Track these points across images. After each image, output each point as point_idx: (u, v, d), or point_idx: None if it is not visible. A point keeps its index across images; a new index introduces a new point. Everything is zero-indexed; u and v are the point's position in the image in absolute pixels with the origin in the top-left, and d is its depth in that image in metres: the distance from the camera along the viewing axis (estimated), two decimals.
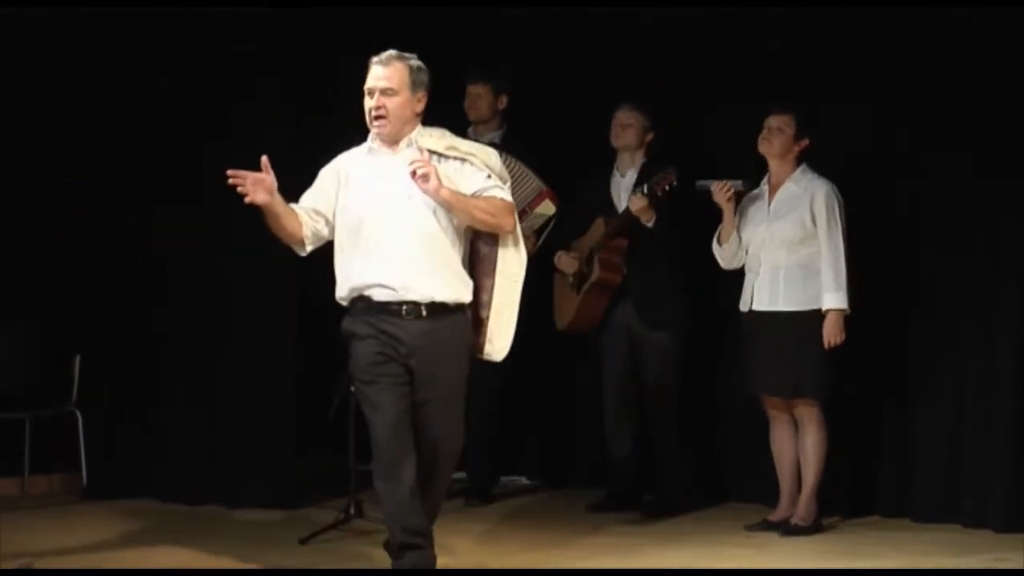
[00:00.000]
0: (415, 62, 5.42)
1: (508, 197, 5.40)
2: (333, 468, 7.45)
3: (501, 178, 5.46)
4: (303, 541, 6.65)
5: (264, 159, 5.33)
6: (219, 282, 8.08)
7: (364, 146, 5.50)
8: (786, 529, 6.77)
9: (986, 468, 6.90)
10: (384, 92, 5.34)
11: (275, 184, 5.36)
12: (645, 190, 7.17)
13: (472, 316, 5.43)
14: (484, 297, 5.40)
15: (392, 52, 5.40)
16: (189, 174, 8.00)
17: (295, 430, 7.88)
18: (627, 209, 7.20)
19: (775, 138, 6.87)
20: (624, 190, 7.40)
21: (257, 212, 6.90)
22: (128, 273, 8.18)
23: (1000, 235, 6.90)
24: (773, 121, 6.89)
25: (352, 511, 6.87)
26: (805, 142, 6.87)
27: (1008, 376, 6.81)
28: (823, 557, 6.38)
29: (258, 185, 5.31)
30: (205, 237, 8.09)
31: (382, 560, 5.95)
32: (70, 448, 8.11)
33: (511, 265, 5.41)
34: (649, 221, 7.13)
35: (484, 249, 5.42)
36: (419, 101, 5.40)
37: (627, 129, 7.45)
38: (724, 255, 7.01)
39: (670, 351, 7.35)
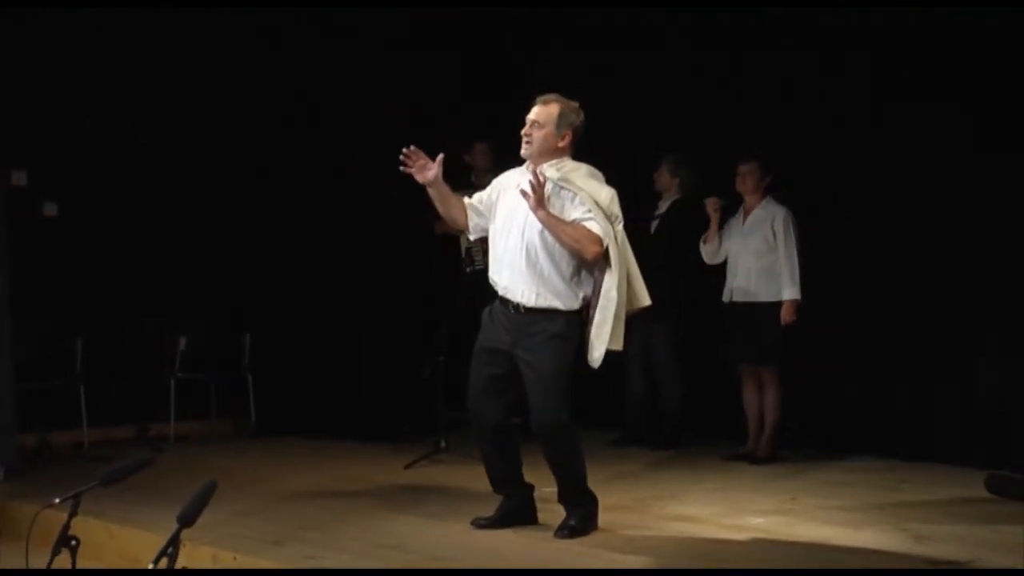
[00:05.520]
0: (569, 106, 5.16)
1: (598, 230, 4.99)
2: (427, 414, 7.44)
3: (607, 213, 5.08)
4: (407, 466, 6.86)
5: (440, 156, 5.16)
6: (353, 277, 8.46)
7: (522, 167, 5.26)
8: (752, 459, 7.03)
9: (893, 414, 7.14)
10: (533, 124, 5.14)
11: (438, 175, 5.17)
12: None
13: (584, 330, 5.10)
14: (591, 313, 5.08)
15: (553, 95, 5.17)
16: (341, 182, 8.27)
17: (401, 385, 8.13)
18: None
19: (746, 179, 7.14)
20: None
21: (392, 226, 7.38)
22: (284, 273, 8.60)
23: (915, 245, 7.00)
24: (743, 167, 7.15)
25: (442, 445, 7.06)
26: (768, 178, 7.13)
27: (909, 345, 7.03)
28: (775, 477, 6.63)
29: (425, 169, 5.14)
30: (339, 244, 8.52)
31: (468, 481, 6.21)
32: (243, 400, 8.44)
33: (609, 289, 5.02)
34: None
35: (595, 274, 5.08)
36: (562, 138, 5.13)
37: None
38: (707, 252, 7.26)
39: (669, 333, 7.53)
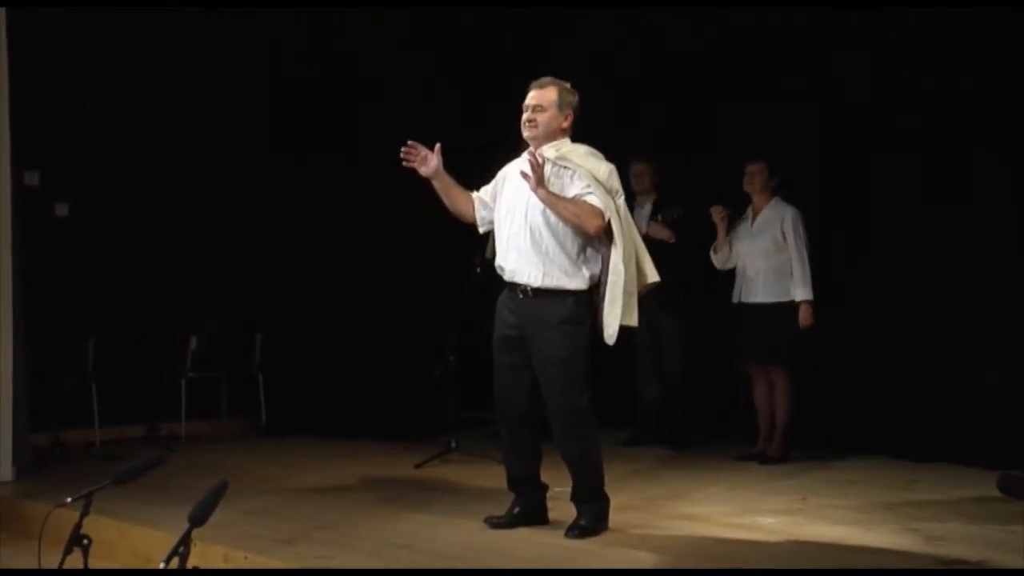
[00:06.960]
0: (565, 87, 5.18)
1: (598, 203, 4.96)
2: (437, 413, 7.51)
3: (607, 188, 5.04)
4: (417, 466, 6.86)
5: (438, 145, 5.19)
6: (363, 277, 8.48)
7: (525, 153, 5.21)
8: (763, 459, 7.02)
9: (902, 413, 7.14)
10: (535, 109, 5.12)
11: (439, 166, 5.21)
12: (660, 218, 7.43)
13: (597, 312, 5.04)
14: (602, 291, 5.02)
15: (548, 78, 5.17)
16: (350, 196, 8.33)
17: (411, 385, 8.17)
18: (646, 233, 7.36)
19: (755, 179, 7.12)
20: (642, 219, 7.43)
21: (402, 227, 7.35)
22: (295, 273, 8.64)
23: (922, 247, 7.01)
24: (751, 167, 7.12)
25: (453, 445, 7.05)
26: (776, 179, 7.12)
27: (918, 346, 7.03)
28: (785, 476, 6.61)
29: (426, 162, 5.19)
30: (349, 244, 8.55)
31: (478, 480, 6.34)
32: (254, 400, 8.52)
33: (616, 263, 4.97)
34: (671, 239, 7.32)
35: (602, 250, 5.04)
36: (565, 118, 5.15)
37: (641, 177, 7.57)
38: (717, 260, 7.26)
39: (677, 332, 7.57)
